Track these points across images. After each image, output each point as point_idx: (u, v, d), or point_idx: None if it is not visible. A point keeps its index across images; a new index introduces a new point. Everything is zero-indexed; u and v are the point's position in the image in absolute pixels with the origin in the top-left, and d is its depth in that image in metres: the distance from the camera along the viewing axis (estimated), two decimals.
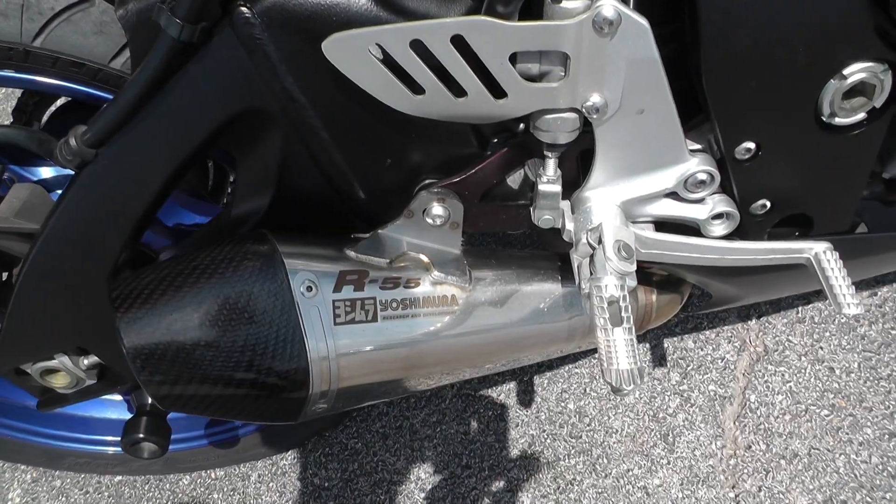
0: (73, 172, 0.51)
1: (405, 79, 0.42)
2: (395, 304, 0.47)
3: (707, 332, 0.87)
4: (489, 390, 0.88)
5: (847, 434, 0.79)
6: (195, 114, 0.46)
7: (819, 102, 0.47)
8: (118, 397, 0.83)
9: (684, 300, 0.62)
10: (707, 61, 0.44)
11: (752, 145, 0.48)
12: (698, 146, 0.49)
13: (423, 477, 0.85)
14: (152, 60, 0.43)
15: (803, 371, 0.83)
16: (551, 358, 0.61)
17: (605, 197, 0.48)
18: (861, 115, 0.48)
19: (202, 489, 0.92)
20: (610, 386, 0.42)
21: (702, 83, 0.45)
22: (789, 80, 0.46)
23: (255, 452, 0.84)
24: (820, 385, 0.82)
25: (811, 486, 0.77)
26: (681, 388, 0.84)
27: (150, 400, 0.65)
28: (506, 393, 0.88)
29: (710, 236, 0.51)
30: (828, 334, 0.85)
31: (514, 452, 0.85)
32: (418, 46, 0.41)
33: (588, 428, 0.84)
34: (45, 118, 0.69)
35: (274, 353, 0.44)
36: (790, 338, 0.86)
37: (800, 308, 0.87)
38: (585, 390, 0.86)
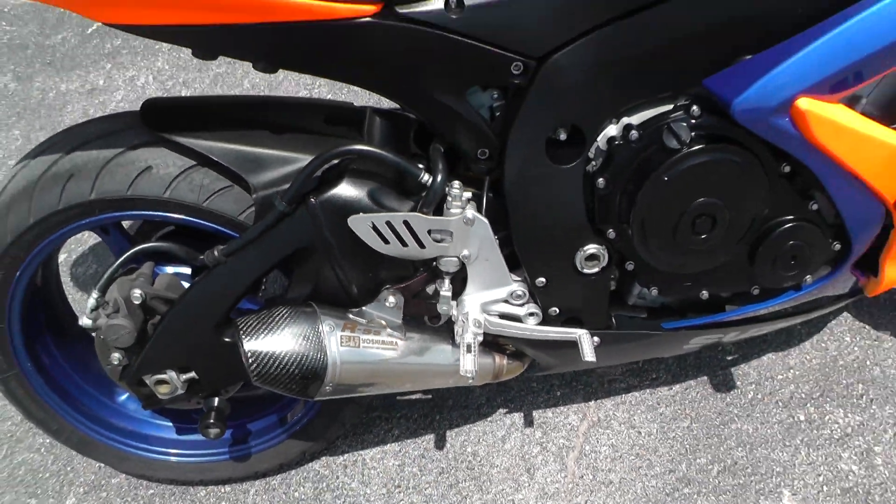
0: (189, 271, 1.00)
1: (382, 238, 0.93)
2: (368, 341, 0.95)
3: (562, 407, 1.35)
4: (415, 441, 1.34)
5: (645, 471, 1.25)
6: (279, 247, 0.96)
7: (574, 261, 0.99)
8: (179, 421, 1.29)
9: (525, 366, 1.10)
10: (516, 239, 0.96)
11: (543, 279, 0.99)
12: (519, 278, 1.01)
13: (370, 494, 1.29)
14: (267, 220, 0.93)
15: (621, 433, 1.30)
16: (443, 386, 1.08)
17: (472, 299, 0.98)
18: (597, 269, 1.00)
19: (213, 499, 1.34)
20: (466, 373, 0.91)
21: (515, 247, 0.97)
22: (558, 249, 0.97)
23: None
24: (630, 441, 1.29)
25: (620, 501, 1.23)
26: (541, 440, 1.31)
27: (216, 403, 1.10)
28: (425, 442, 1.34)
29: (525, 324, 1.02)
30: (639, 412, 1.33)
31: (428, 478, 1.29)
32: (388, 224, 0.92)
33: (479, 463, 1.30)
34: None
35: (313, 359, 0.91)
36: (615, 412, 1.34)
37: (623, 395, 1.36)
38: (479, 439, 1.33)
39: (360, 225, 0.91)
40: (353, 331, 0.94)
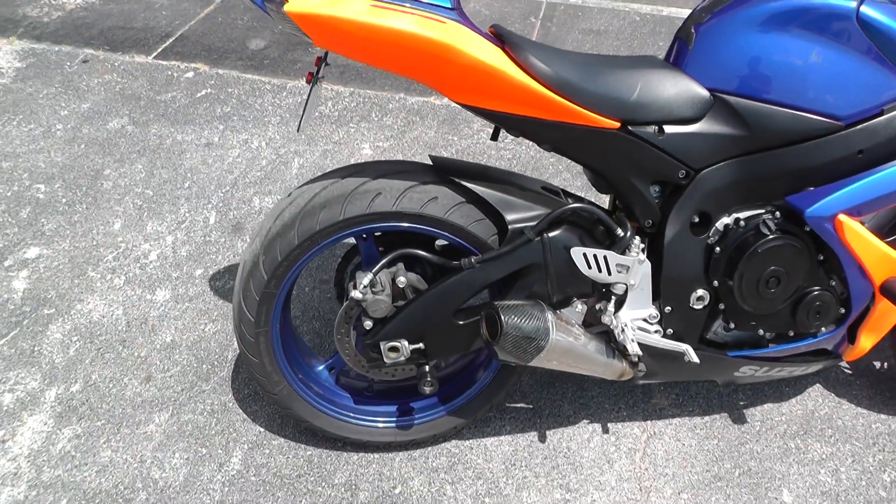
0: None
1: (587, 264, 1.46)
2: (568, 330, 1.45)
3: (628, 423, 1.85)
4: (523, 434, 1.80)
5: (689, 469, 1.76)
6: (516, 263, 1.44)
7: (689, 299, 1.53)
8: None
9: (635, 372, 1.62)
10: (662, 278, 1.50)
11: (669, 308, 1.53)
12: (654, 305, 1.54)
13: (493, 469, 1.73)
14: (516, 243, 1.41)
15: (670, 443, 1.81)
16: (595, 374, 1.57)
17: (626, 314, 1.51)
18: (701, 306, 1.55)
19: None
20: (634, 355, 1.43)
21: (659, 283, 1.51)
22: (683, 289, 1.50)
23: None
24: (678, 449, 1.80)
25: (674, 486, 1.72)
26: (615, 443, 1.80)
27: (427, 369, 1.54)
28: (531, 437, 1.80)
29: (655, 336, 1.55)
30: (682, 430, 1.85)
31: (536, 460, 1.75)
32: (594, 256, 1.45)
33: (572, 454, 1.77)
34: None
35: (542, 334, 1.40)
36: (665, 429, 1.85)
37: (670, 419, 1.87)
38: (570, 438, 1.80)
39: (577, 254, 1.44)
40: (560, 321, 1.45)
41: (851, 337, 1.66)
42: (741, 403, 1.91)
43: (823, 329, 1.62)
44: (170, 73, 3.14)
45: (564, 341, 1.45)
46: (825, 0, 1.30)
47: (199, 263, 2.21)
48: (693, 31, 1.42)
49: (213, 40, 3.40)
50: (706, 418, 1.87)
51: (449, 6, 1.28)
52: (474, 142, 2.81)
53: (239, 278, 1.53)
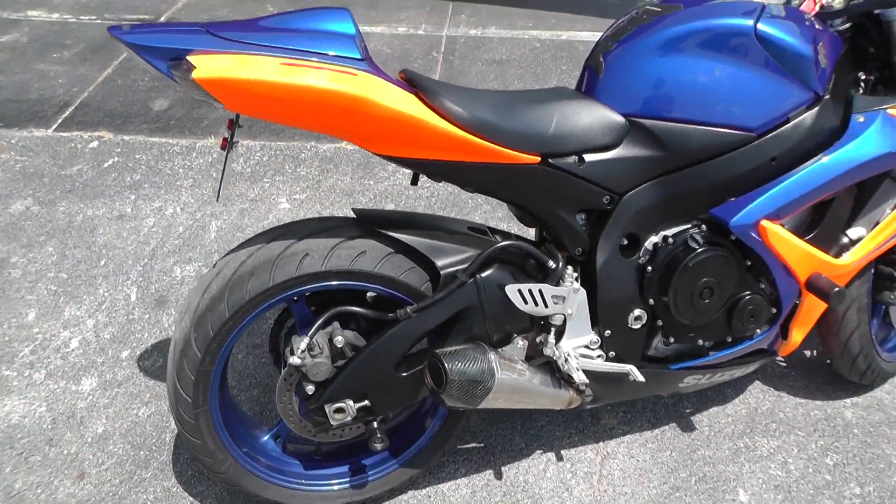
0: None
1: (524, 300, 1.46)
2: (512, 368, 1.45)
3: (581, 447, 1.86)
4: (478, 474, 1.78)
5: (647, 484, 1.77)
6: (452, 307, 1.43)
7: (627, 320, 1.55)
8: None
9: (582, 399, 1.62)
10: (598, 303, 1.52)
11: (609, 331, 1.55)
12: (594, 331, 1.56)
13: None
14: (451, 287, 1.40)
15: (625, 461, 1.82)
16: (542, 406, 1.57)
17: (567, 344, 1.52)
18: (639, 325, 1.57)
19: None
20: (581, 384, 1.43)
21: (596, 308, 1.53)
22: (620, 311, 1.52)
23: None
24: (633, 466, 1.81)
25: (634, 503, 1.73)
26: (571, 469, 1.80)
27: (375, 426, 1.51)
28: (486, 476, 1.78)
29: (598, 361, 1.56)
30: (634, 447, 1.87)
31: (495, 499, 1.73)
32: (529, 291, 1.46)
33: (530, 486, 1.76)
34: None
35: (487, 376, 1.38)
36: (617, 448, 1.86)
37: (620, 437, 1.89)
38: (526, 471, 1.80)
39: (512, 291, 1.44)
40: (504, 359, 1.44)
41: (784, 333, 1.72)
42: (687, 411, 1.94)
43: (758, 331, 1.67)
44: (73, 144, 3.02)
45: (510, 379, 1.45)
46: (724, 21, 1.36)
47: (125, 344, 2.12)
48: (602, 59, 1.46)
49: (114, 105, 3.30)
50: (656, 431, 1.89)
51: (359, 57, 1.26)
52: (391, 184, 2.80)
53: (171, 359, 1.47)
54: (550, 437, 1.87)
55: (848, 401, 1.96)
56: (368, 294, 1.55)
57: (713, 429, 1.89)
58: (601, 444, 1.86)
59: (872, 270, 1.78)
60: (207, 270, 1.47)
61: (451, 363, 1.38)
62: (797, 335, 1.71)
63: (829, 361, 1.92)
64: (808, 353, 2.10)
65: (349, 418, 1.49)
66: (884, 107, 1.50)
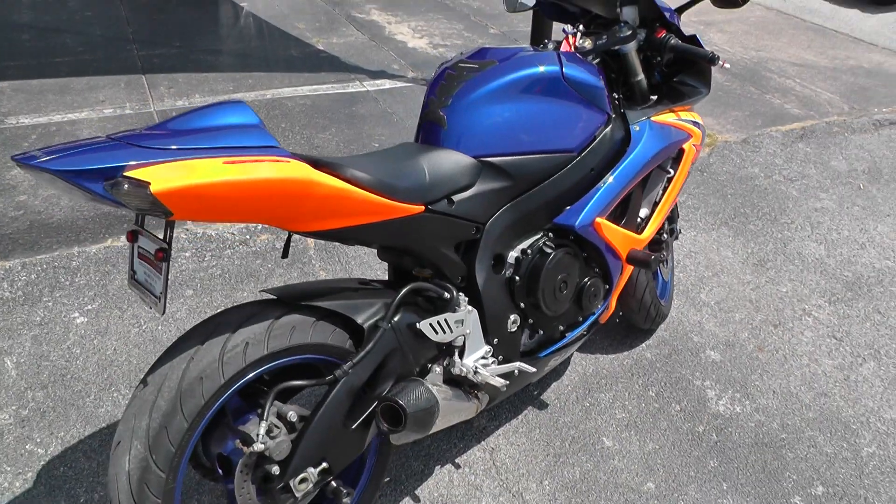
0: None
1: (434, 331, 1.67)
2: (439, 392, 1.66)
3: (471, 450, 2.12)
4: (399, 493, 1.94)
5: (536, 462, 2.09)
6: (380, 354, 1.59)
7: (507, 325, 1.86)
8: None
9: (486, 400, 1.89)
10: (486, 319, 1.80)
11: (496, 339, 1.83)
12: (486, 343, 1.83)
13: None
14: (376, 336, 1.55)
15: (508, 449, 2.12)
16: (461, 419, 1.80)
17: (470, 359, 1.77)
18: (515, 328, 1.89)
19: None
20: (502, 386, 1.70)
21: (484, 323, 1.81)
22: (500, 320, 1.84)
23: None
24: (519, 450, 2.12)
25: (536, 481, 2.04)
26: (470, 471, 2.05)
27: (333, 484, 1.59)
28: (405, 492, 1.95)
29: (494, 367, 1.84)
30: (516, 434, 2.18)
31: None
32: (437, 322, 1.67)
33: (441, 494, 1.97)
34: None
35: (432, 405, 1.56)
36: (498, 441, 2.15)
37: (496, 430, 2.19)
38: (436, 484, 2.00)
39: (425, 326, 1.65)
40: (433, 385, 1.65)
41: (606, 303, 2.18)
42: (535, 393, 2.32)
43: (599, 306, 2.10)
44: None
45: (444, 402, 1.66)
46: (537, 70, 1.74)
47: None
48: (442, 114, 1.74)
49: None
50: (520, 417, 2.23)
51: (276, 144, 1.36)
52: (176, 272, 2.76)
53: (124, 493, 1.40)
54: (441, 452, 2.10)
55: (643, 345, 2.51)
56: (289, 366, 1.63)
57: (561, 399, 2.29)
58: (483, 442, 2.14)
59: None
60: (134, 392, 1.44)
61: (405, 400, 1.55)
62: (613, 302, 2.18)
63: (626, 317, 2.44)
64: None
65: (311, 485, 1.57)
66: (647, 117, 2.02)
